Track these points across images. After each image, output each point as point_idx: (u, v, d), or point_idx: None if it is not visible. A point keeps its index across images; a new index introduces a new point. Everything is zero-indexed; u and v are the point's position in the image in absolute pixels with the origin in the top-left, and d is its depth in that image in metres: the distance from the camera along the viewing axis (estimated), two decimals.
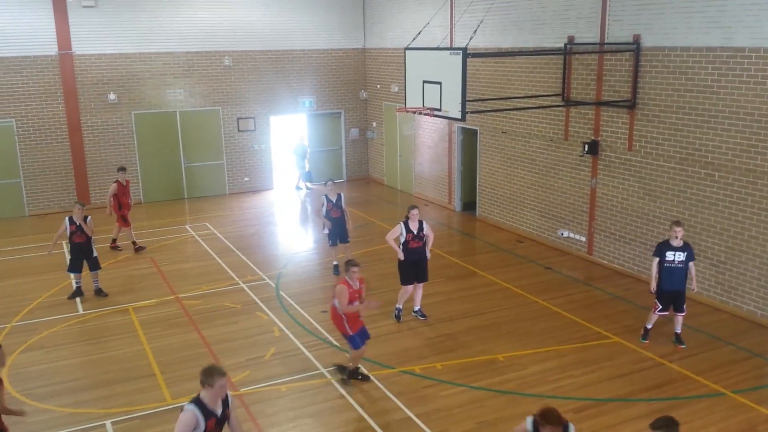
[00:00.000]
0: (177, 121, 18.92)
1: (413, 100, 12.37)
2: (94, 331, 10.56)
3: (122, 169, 14.59)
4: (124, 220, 14.36)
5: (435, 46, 13.27)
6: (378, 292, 11.86)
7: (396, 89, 19.12)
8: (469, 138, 16.96)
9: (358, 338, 8.57)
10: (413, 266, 10.48)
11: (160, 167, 18.93)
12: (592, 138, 12.94)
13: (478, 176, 16.64)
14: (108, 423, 7.89)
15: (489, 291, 11.92)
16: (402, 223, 10.44)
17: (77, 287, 11.87)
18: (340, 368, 8.85)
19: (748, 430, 7.49)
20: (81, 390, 8.71)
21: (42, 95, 17.38)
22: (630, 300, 11.35)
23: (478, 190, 16.73)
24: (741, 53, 10.14)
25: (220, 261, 13.69)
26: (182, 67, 18.69)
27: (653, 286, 9.45)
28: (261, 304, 11.37)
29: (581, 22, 12.93)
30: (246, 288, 12.15)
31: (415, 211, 10.46)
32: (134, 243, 14.49)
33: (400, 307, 10.67)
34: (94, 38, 17.65)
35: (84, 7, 17.31)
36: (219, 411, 5.48)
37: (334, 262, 13.01)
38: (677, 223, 9.33)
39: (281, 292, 11.90)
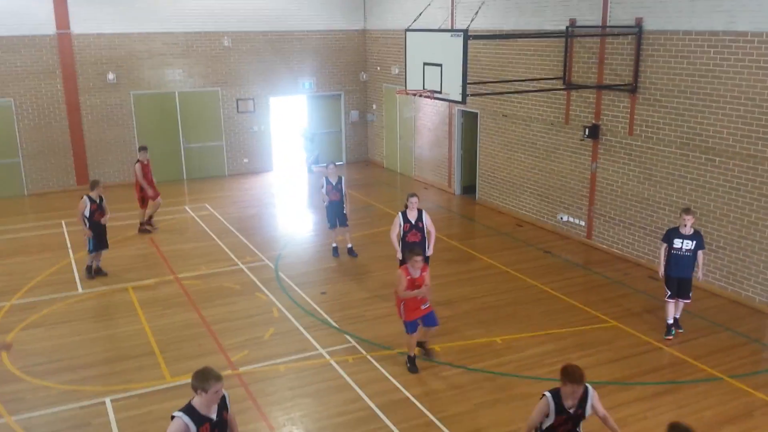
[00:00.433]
0: (176, 101, 18.84)
1: (414, 83, 12.31)
2: (93, 310, 10.59)
3: (143, 148, 14.51)
4: (142, 201, 14.37)
5: (436, 27, 13.21)
6: (376, 274, 11.90)
7: (396, 71, 19.03)
8: (470, 121, 16.91)
9: (409, 325, 8.42)
10: None
11: (159, 148, 18.81)
12: (593, 122, 12.91)
13: (478, 160, 16.61)
14: (107, 400, 7.92)
15: (488, 274, 11.94)
16: (400, 214, 10.15)
17: (98, 266, 11.87)
18: (408, 359, 8.62)
19: (745, 415, 7.53)
20: (81, 367, 8.74)
21: (40, 75, 17.28)
22: (629, 284, 11.38)
23: (478, 174, 16.71)
24: (743, 37, 10.08)
25: (219, 242, 13.69)
26: (181, 48, 18.58)
27: (661, 272, 9.33)
28: (260, 285, 11.39)
29: (583, 5, 12.84)
30: (245, 269, 12.16)
31: (414, 200, 10.11)
32: (141, 224, 14.48)
33: None
34: (93, 17, 17.53)
35: None
36: (214, 415, 5.01)
37: (333, 245, 13.01)
38: (687, 211, 9.11)
39: (280, 274, 11.92)
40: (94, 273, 11.80)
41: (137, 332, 9.75)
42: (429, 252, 10.14)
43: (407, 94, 12.56)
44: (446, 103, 16.92)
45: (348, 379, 8.39)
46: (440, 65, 11.49)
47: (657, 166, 11.78)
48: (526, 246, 13.47)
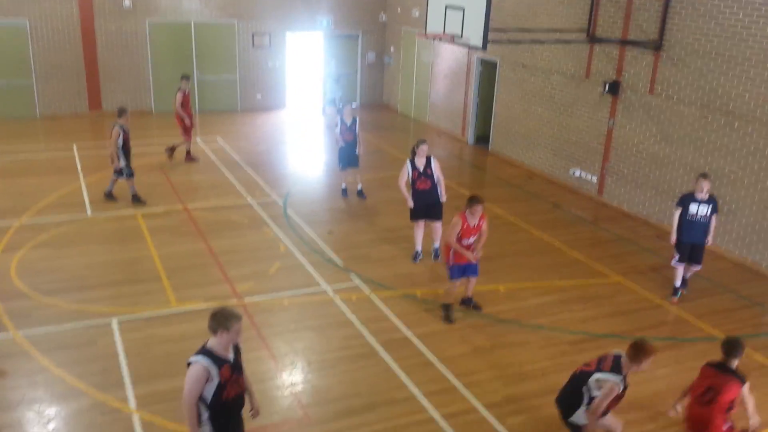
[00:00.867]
0: (192, 32, 18.58)
1: (434, 26, 12.07)
2: (102, 234, 10.68)
3: (186, 77, 14.41)
4: (185, 131, 14.35)
5: None
6: (384, 217, 11.92)
7: (417, 14, 18.64)
8: (488, 70, 16.64)
9: (456, 269, 8.30)
10: (423, 208, 9.96)
11: (173, 78, 18.57)
12: (614, 78, 12.68)
13: (494, 110, 16.41)
14: (114, 320, 8.07)
15: (495, 224, 11.88)
16: (408, 161, 9.87)
17: (133, 193, 11.97)
18: (444, 307, 8.54)
19: None
20: (88, 288, 8.88)
21: None
22: (636, 242, 11.37)
23: (492, 124, 16.54)
24: None
25: (229, 176, 13.70)
26: None
27: (673, 238, 9.14)
28: (268, 221, 11.44)
29: None
30: (254, 204, 12.19)
31: (424, 147, 9.79)
32: (188, 153, 14.52)
33: (419, 250, 10.20)
34: None
35: None
36: (231, 357, 4.83)
37: (343, 185, 13.00)
38: (704, 176, 8.88)
39: (289, 211, 11.95)
40: (134, 200, 11.90)
41: (145, 258, 9.85)
42: (443, 198, 9.98)
43: (427, 37, 12.32)
44: (465, 50, 16.64)
45: (350, 316, 8.49)
46: (462, 9, 11.25)
47: (675, 127, 11.62)
48: (535, 198, 13.43)
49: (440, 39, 11.98)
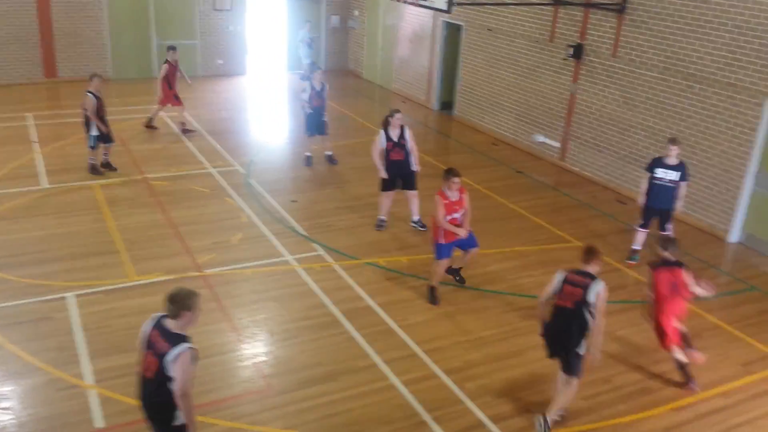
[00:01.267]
0: None
1: None
2: (58, 206, 10.42)
3: (172, 48, 14.03)
4: (177, 99, 13.98)
5: None
6: (350, 185, 11.84)
7: None
8: (453, 34, 16.47)
9: (444, 248, 8.00)
10: (396, 178, 9.82)
11: (131, 43, 18.19)
12: (578, 41, 12.64)
13: (458, 75, 16.30)
14: (71, 295, 7.91)
15: None
16: (381, 131, 9.70)
17: (107, 160, 11.73)
18: (430, 289, 8.26)
19: (694, 337, 7.73)
20: (44, 262, 8.68)
21: None
22: (596, 207, 11.49)
23: (456, 90, 16.44)
24: None
25: (189, 144, 13.44)
26: None
27: (641, 201, 9.17)
28: (230, 190, 11.28)
29: None
30: (215, 173, 12.01)
31: (398, 116, 9.62)
32: (182, 125, 14.16)
33: (383, 217, 10.11)
34: None
35: None
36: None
37: (307, 153, 12.83)
38: (673, 141, 8.87)
39: (251, 180, 11.80)
40: (102, 168, 11.62)
41: (102, 230, 9.65)
42: (416, 168, 9.86)
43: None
44: (431, 13, 16.42)
45: (313, 285, 8.46)
46: None
47: (637, 90, 11.66)
48: (499, 165, 13.45)
49: (405, 1, 11.79)
